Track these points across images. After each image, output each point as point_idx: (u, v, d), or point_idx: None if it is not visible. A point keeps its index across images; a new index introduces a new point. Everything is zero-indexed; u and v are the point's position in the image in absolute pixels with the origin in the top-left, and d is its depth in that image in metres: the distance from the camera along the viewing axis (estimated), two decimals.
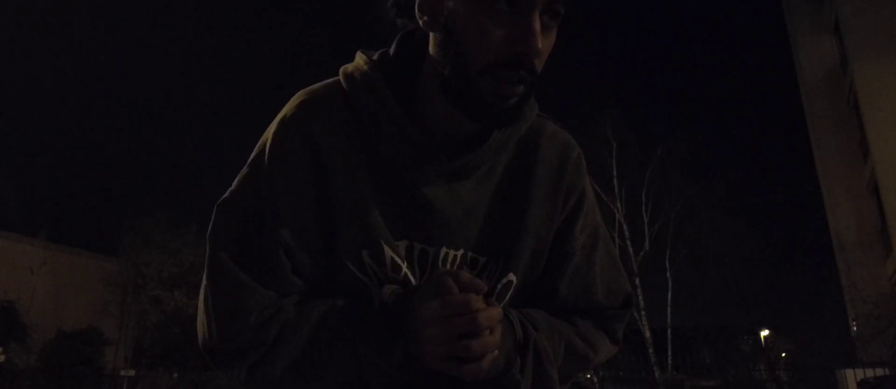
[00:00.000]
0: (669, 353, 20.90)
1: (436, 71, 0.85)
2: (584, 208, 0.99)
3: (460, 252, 0.90)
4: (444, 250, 0.89)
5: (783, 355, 24.06)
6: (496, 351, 0.78)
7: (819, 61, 24.20)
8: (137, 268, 23.23)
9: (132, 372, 21.06)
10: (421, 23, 0.86)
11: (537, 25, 0.78)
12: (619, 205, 21.64)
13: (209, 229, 0.87)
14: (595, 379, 19.82)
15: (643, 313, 20.86)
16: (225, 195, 0.89)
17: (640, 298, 20.97)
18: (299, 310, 0.83)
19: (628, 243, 21.29)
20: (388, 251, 0.85)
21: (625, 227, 21.49)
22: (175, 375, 21.37)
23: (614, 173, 21.78)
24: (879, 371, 12.21)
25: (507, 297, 0.93)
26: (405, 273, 0.86)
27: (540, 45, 0.78)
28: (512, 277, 0.92)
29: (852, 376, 12.72)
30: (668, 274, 21.69)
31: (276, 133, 0.89)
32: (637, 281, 20.95)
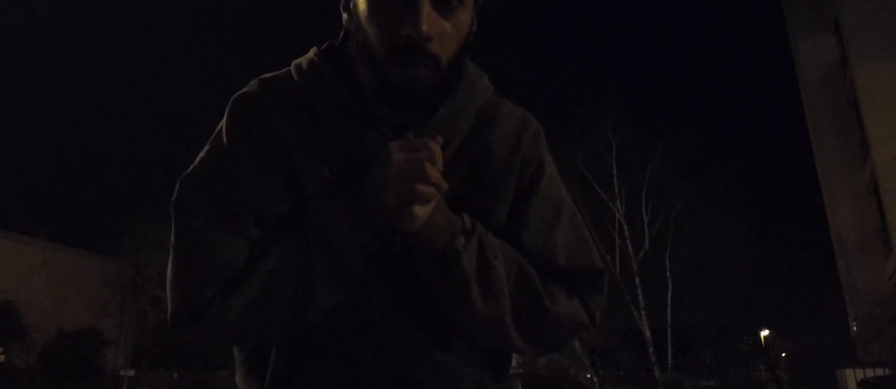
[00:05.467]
0: (669, 353, 20.90)
1: (358, 65, 0.91)
2: (542, 181, 0.99)
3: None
4: None
5: (783, 355, 24.06)
6: (434, 202, 0.83)
7: (819, 61, 24.20)
8: (137, 268, 23.22)
9: (132, 372, 21.07)
10: (344, 21, 0.92)
11: (425, 8, 0.82)
12: (619, 205, 21.64)
13: (173, 198, 0.89)
14: (595, 379, 19.81)
15: (643, 313, 20.85)
16: (187, 170, 0.92)
17: (641, 298, 20.96)
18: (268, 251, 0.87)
19: (628, 243, 21.29)
20: None
21: (625, 227, 21.50)
22: (175, 375, 21.39)
23: (614, 172, 21.80)
24: (879, 371, 12.21)
25: None
26: None
27: (425, 28, 0.81)
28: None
29: (852, 376, 12.73)
30: (668, 274, 21.69)
31: (229, 110, 0.94)
32: (637, 281, 20.95)
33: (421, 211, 0.82)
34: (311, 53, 0.96)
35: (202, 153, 0.93)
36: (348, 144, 0.90)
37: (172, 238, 0.89)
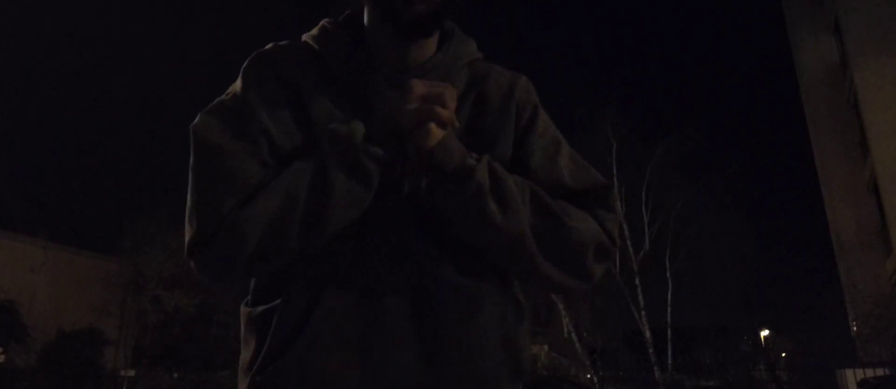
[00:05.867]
0: (669, 353, 20.89)
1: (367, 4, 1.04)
2: (539, 122, 1.09)
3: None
4: None
5: (783, 355, 24.07)
6: (448, 130, 0.91)
7: (819, 61, 24.18)
8: (137, 268, 23.23)
9: (132, 372, 21.07)
10: None
11: None
12: (618, 204, 21.61)
13: (193, 124, 0.95)
14: (595, 379, 19.81)
15: (643, 313, 20.84)
16: (206, 108, 0.98)
17: (641, 298, 20.95)
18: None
19: (628, 243, 21.28)
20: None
21: (625, 227, 21.47)
22: (175, 375, 21.38)
23: (614, 172, 21.77)
24: (879, 371, 12.20)
25: None
26: None
27: None
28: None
29: (852, 376, 12.71)
30: (668, 274, 21.67)
31: (245, 65, 1.03)
32: (637, 281, 20.94)
33: (437, 131, 0.89)
34: (322, 22, 1.09)
35: (219, 98, 1.01)
36: (356, 87, 1.00)
37: (191, 161, 0.93)
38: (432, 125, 0.89)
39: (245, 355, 0.96)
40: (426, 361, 0.90)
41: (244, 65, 1.02)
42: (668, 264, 21.67)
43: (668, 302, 21.65)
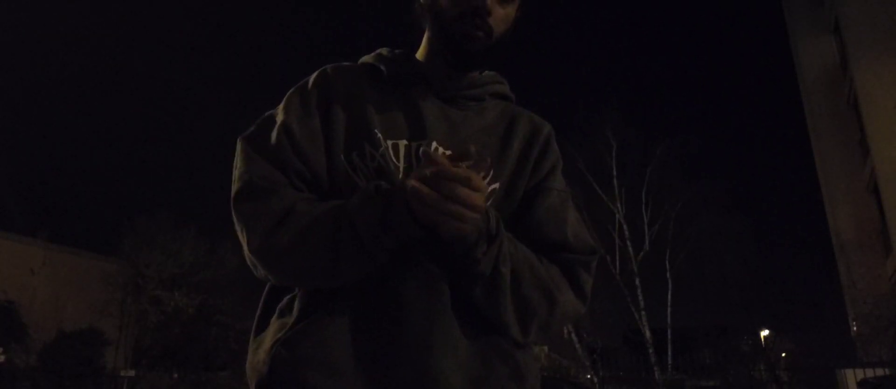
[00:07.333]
0: (669, 353, 20.89)
1: (427, 37, 1.17)
2: (557, 175, 1.19)
3: (449, 152, 1.02)
4: (434, 145, 1.08)
5: (783, 355, 24.03)
6: (477, 216, 0.91)
7: (819, 61, 24.20)
8: (137, 268, 23.22)
9: (132, 372, 21.04)
10: (421, 3, 1.16)
11: None
12: (619, 205, 21.63)
13: (246, 132, 1.10)
14: (595, 379, 19.82)
15: (643, 313, 20.84)
16: (258, 119, 1.13)
17: (641, 298, 20.95)
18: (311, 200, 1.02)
19: (628, 243, 21.28)
20: (368, 149, 1.06)
21: (625, 227, 21.48)
22: (175, 375, 21.37)
23: (614, 172, 21.79)
24: (879, 371, 12.22)
25: (489, 203, 1.06)
26: (380, 161, 1.05)
27: (489, 3, 1.06)
28: (496, 186, 1.10)
29: (852, 376, 12.72)
30: (668, 274, 21.67)
31: (303, 82, 1.16)
32: (637, 281, 20.94)
33: (461, 227, 0.90)
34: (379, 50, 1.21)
35: (270, 112, 1.13)
36: (401, 99, 1.12)
37: (235, 161, 1.06)
38: (455, 224, 0.89)
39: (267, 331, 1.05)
40: (430, 338, 0.96)
41: (309, 79, 1.15)
42: (668, 264, 21.68)
43: (668, 302, 21.66)
